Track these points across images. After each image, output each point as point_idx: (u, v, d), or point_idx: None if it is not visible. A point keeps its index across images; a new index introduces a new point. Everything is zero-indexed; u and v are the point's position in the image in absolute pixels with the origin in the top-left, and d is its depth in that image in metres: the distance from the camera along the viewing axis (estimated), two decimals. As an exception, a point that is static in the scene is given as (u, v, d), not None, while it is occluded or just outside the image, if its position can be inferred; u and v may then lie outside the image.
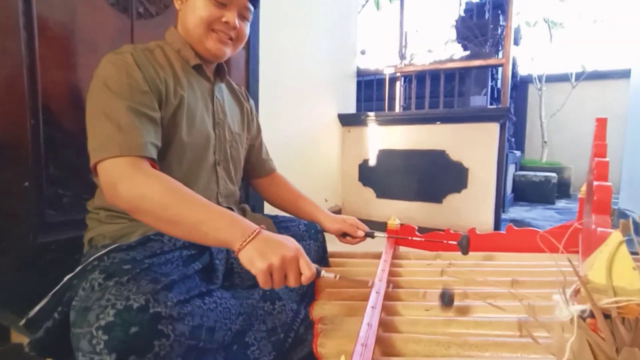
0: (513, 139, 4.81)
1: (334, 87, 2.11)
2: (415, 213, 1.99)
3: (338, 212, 2.24)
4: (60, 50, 0.92)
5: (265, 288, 0.54)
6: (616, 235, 0.34)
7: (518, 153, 4.30)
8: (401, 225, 1.09)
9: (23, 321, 0.58)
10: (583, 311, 0.35)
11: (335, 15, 2.07)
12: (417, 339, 0.58)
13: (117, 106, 0.61)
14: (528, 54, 5.03)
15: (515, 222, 2.63)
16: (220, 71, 0.84)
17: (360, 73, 2.38)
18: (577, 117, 4.76)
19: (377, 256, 0.98)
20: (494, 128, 1.73)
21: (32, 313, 0.58)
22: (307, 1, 1.83)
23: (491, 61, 1.93)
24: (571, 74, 4.65)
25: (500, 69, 3.86)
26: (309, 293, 0.80)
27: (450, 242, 0.88)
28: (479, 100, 1.96)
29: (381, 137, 2.06)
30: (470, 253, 0.93)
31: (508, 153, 3.23)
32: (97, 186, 0.72)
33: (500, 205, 1.83)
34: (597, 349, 0.31)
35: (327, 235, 0.99)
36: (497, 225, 1.84)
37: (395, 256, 0.98)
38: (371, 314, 0.60)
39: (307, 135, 1.91)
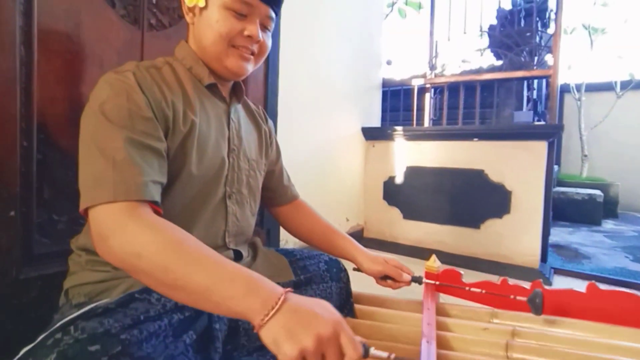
0: (548, 153, 4.48)
1: (357, 99, 1.98)
2: (448, 238, 1.80)
3: (360, 231, 2.08)
4: (63, 66, 0.84)
5: None
6: None
7: (555, 167, 3.99)
8: (444, 269, 0.90)
9: None
10: None
11: (358, 24, 1.96)
12: None
13: (113, 137, 0.50)
14: (565, 62, 4.72)
15: (559, 247, 2.36)
16: (237, 90, 0.72)
17: (386, 83, 2.23)
18: (620, 129, 4.39)
19: (415, 306, 0.82)
20: (541, 147, 1.53)
21: None
22: (329, 11, 1.73)
23: (536, 72, 1.74)
24: (615, 82, 4.29)
25: (535, 80, 3.62)
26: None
27: (518, 297, 0.69)
28: (524, 116, 1.77)
29: (409, 153, 1.90)
30: (537, 317, 0.73)
31: (548, 169, 2.96)
32: (87, 222, 0.61)
33: (548, 234, 1.61)
34: None
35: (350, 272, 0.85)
36: (544, 257, 1.62)
37: (437, 309, 0.80)
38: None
39: (327, 149, 1.78)
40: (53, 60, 0.82)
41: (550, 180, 1.59)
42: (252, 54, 0.65)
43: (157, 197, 0.51)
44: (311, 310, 0.41)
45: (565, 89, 4.78)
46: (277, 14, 0.68)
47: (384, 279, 0.81)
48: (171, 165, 0.57)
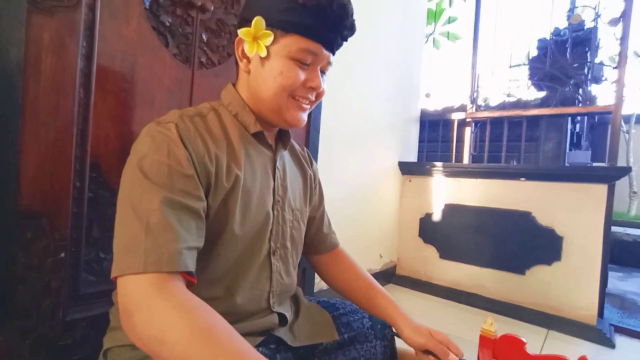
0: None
1: (395, 132, 1.94)
2: (488, 282, 1.67)
3: (393, 268, 1.98)
4: (116, 105, 0.85)
5: None
6: None
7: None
8: (502, 335, 0.80)
9: None
10: None
11: (399, 57, 1.94)
12: None
13: (150, 197, 0.47)
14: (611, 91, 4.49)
15: (611, 296, 2.13)
16: (284, 136, 0.68)
17: (423, 115, 2.18)
18: (675, 164, 4.05)
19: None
20: (601, 191, 1.41)
21: None
22: (370, 44, 1.73)
23: (594, 108, 1.63)
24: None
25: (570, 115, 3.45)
26: None
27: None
28: (581, 157, 1.65)
29: (448, 190, 1.81)
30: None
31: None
32: None
33: (605, 286, 1.46)
34: None
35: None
36: (600, 312, 1.46)
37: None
38: None
39: (363, 183, 1.73)
40: (108, 100, 0.84)
41: (609, 227, 1.45)
42: (310, 102, 0.62)
43: (192, 267, 0.47)
44: None
45: (609, 119, 4.53)
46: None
47: (426, 353, 0.71)
48: (213, 224, 0.53)
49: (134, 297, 0.43)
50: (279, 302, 0.65)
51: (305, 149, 0.83)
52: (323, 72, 0.62)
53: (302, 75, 0.58)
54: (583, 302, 1.43)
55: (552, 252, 1.49)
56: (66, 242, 0.73)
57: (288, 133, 0.69)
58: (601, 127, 4.78)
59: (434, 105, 2.31)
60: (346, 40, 0.62)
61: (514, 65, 2.01)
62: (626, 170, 1.39)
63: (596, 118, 4.66)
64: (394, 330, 0.76)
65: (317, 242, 0.81)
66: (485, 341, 0.79)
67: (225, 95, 0.63)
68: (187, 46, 1.02)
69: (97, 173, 0.81)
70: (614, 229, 3.27)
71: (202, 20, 1.05)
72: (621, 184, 4.21)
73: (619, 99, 1.51)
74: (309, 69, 0.59)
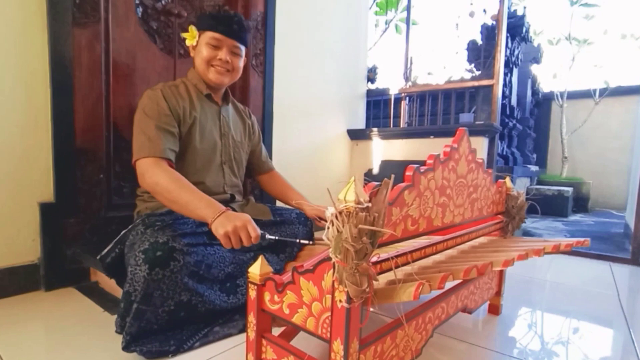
0: (534, 155, 4.81)
1: (343, 106, 2.38)
2: (413, 219, 2.19)
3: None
4: (125, 84, 1.28)
5: (227, 247, 0.78)
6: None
7: (534, 168, 4.31)
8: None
9: (99, 256, 0.89)
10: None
11: (345, 45, 2.34)
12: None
13: (149, 124, 0.92)
14: (551, 71, 5.07)
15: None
16: (226, 96, 1.13)
17: (370, 94, 2.64)
18: (602, 133, 4.69)
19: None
20: (481, 142, 1.92)
21: (103, 252, 0.89)
22: (319, 33, 2.11)
23: (483, 82, 2.12)
24: (594, 90, 4.61)
25: (514, 88, 4.00)
26: (291, 258, 1.06)
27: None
28: (466, 117, 2.15)
29: (384, 149, 2.30)
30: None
31: (515, 166, 3.32)
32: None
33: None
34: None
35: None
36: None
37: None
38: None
39: (319, 147, 2.18)
40: (120, 81, 1.26)
41: (492, 168, 1.97)
42: (228, 70, 1.03)
43: (172, 158, 0.92)
44: (235, 215, 0.79)
45: (550, 96, 5.11)
46: (246, 45, 1.05)
47: (320, 220, 1.17)
48: (183, 142, 0.97)
49: (144, 166, 0.87)
50: (231, 190, 1.11)
51: (246, 107, 1.27)
52: (235, 53, 1.02)
53: (215, 53, 1.00)
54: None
55: (453, 190, 2.01)
56: (103, 169, 1.18)
57: (228, 94, 1.13)
58: (545, 102, 5.38)
59: (382, 84, 2.77)
60: (240, 31, 1.02)
61: (448, 46, 2.48)
62: (493, 126, 1.90)
63: (540, 95, 5.24)
64: (312, 220, 1.21)
65: (258, 166, 1.28)
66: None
67: (189, 73, 1.08)
68: (169, 42, 1.44)
69: (115, 128, 1.25)
70: (540, 186, 3.88)
71: (179, 23, 1.47)
72: (560, 152, 4.83)
73: (497, 75, 1.99)
74: (220, 50, 1.00)
